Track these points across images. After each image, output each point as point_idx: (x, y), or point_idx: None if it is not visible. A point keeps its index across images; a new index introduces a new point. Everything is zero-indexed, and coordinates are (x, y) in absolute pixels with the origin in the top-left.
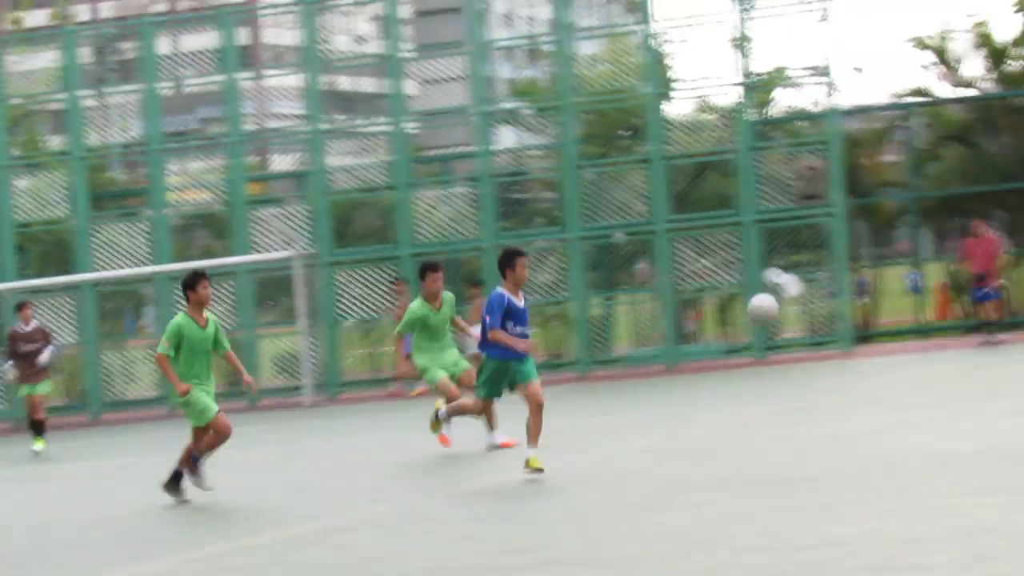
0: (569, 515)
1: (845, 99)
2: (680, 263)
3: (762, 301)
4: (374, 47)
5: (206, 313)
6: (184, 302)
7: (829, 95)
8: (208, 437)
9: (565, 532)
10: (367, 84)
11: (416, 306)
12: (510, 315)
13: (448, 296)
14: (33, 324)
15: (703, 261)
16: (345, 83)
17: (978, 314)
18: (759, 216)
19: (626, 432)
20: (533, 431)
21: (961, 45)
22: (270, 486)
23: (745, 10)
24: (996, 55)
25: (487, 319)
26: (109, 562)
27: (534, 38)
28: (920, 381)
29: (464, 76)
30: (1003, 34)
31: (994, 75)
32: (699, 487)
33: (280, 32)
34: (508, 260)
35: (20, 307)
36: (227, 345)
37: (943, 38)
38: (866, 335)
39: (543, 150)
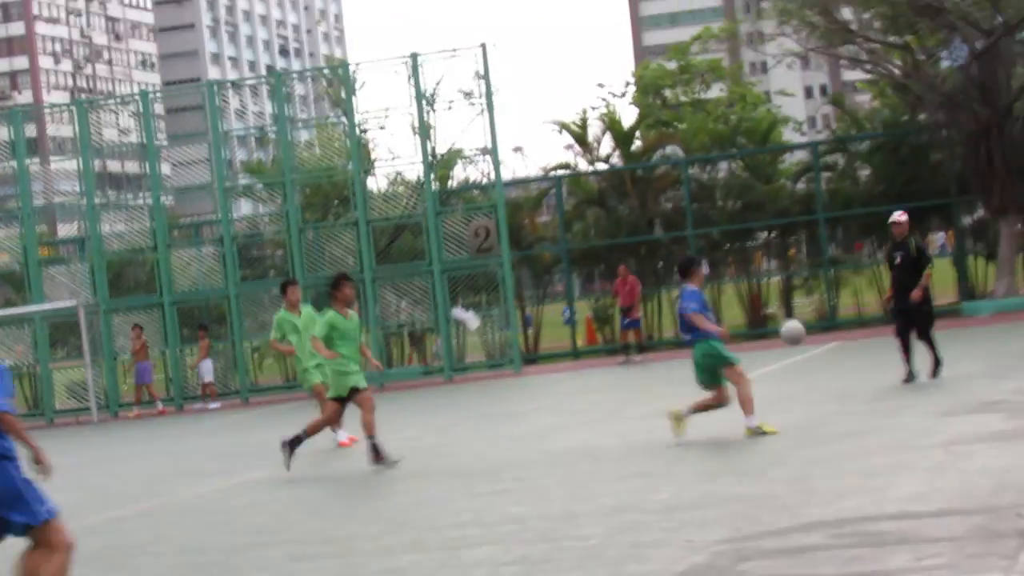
0: (303, 504)
1: (507, 173)
2: (384, 304)
3: (793, 326)
4: (135, 137)
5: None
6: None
7: (495, 170)
8: (325, 418)
9: (299, 518)
10: (131, 167)
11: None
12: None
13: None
14: None
15: (402, 302)
16: (114, 166)
17: (624, 338)
18: (444, 266)
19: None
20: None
21: (595, 129)
22: (66, 486)
23: (427, 104)
24: (622, 137)
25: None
26: None
27: (262, 128)
28: (575, 393)
29: (207, 159)
30: (626, 120)
31: (621, 152)
32: (405, 478)
33: (60, 126)
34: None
35: None
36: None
37: (581, 123)
38: (532, 358)
39: (272, 216)
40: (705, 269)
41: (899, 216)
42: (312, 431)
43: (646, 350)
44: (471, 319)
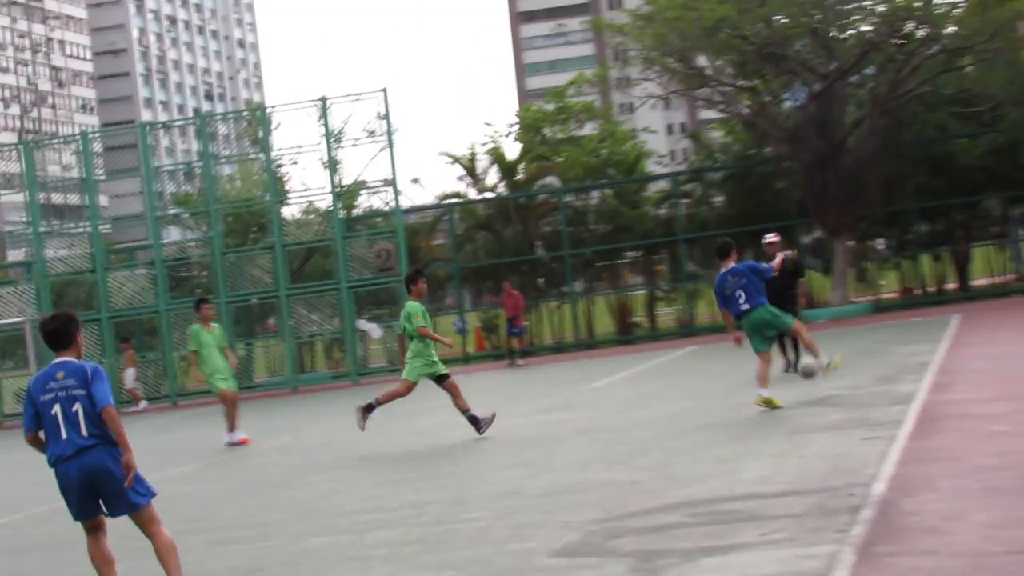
0: (225, 495)
1: (406, 201)
2: (297, 317)
3: (808, 364)
4: (77, 172)
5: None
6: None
7: (395, 199)
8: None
9: (222, 507)
10: (73, 199)
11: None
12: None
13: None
14: None
15: (314, 316)
16: (57, 198)
17: (509, 344)
18: (350, 284)
19: (263, 435)
20: None
21: (483, 163)
22: (19, 481)
23: (335, 141)
24: (506, 169)
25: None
26: None
27: (189, 164)
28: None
29: (141, 191)
30: (510, 155)
31: (506, 183)
32: (316, 470)
33: (9, 164)
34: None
35: None
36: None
37: (471, 157)
38: None
39: (198, 242)
40: (579, 286)
41: (772, 237)
42: (384, 400)
43: (528, 355)
44: (374, 330)
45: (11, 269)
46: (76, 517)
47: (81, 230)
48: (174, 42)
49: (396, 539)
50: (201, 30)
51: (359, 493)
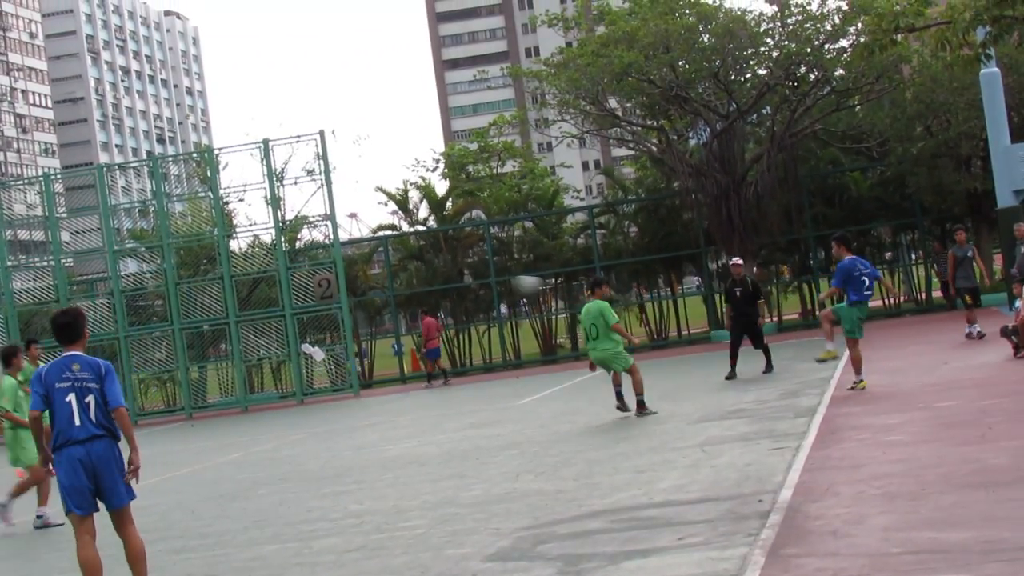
0: (182, 507)
1: (344, 234)
2: (246, 342)
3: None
4: (40, 211)
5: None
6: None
7: (333, 232)
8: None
9: (179, 518)
10: (37, 235)
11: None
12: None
13: None
14: None
15: (261, 340)
16: (23, 235)
17: (427, 367)
18: (295, 311)
19: (217, 451)
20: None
21: (414, 198)
22: None
23: (277, 180)
24: (436, 204)
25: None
26: None
27: (143, 202)
28: (403, 411)
29: (99, 228)
30: (439, 190)
31: (435, 216)
32: (266, 483)
33: None
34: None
35: None
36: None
37: (403, 193)
38: (368, 383)
39: (153, 273)
40: (504, 310)
41: (737, 260)
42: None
43: (457, 375)
44: (317, 352)
45: None
46: (73, 509)
47: (45, 263)
48: (127, 91)
49: (340, 546)
50: (152, 79)
51: (305, 504)
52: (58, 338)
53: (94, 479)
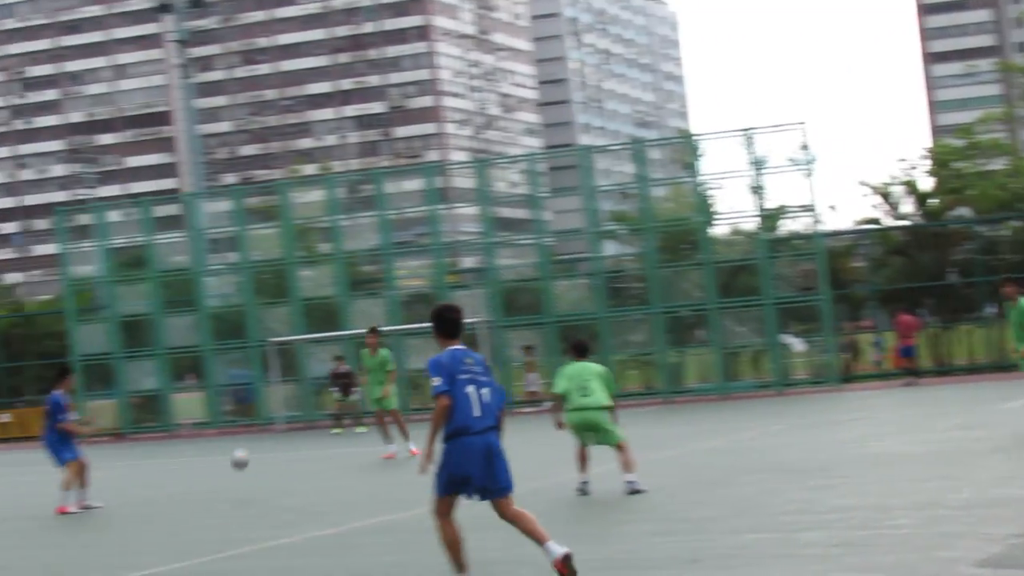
0: (664, 489)
1: (825, 226)
2: (726, 329)
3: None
4: (523, 189)
5: None
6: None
7: (815, 223)
8: None
9: (661, 501)
10: (519, 213)
11: None
12: None
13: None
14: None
15: (740, 328)
16: (505, 212)
17: (901, 365)
18: (774, 300)
19: (696, 437)
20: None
21: (897, 192)
22: None
23: (759, 168)
24: (921, 199)
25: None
26: None
27: (624, 185)
28: (885, 408)
29: (580, 208)
30: (925, 185)
31: (920, 212)
32: (747, 472)
33: (464, 179)
34: None
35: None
36: None
37: (886, 187)
38: (848, 378)
39: (633, 256)
40: (992, 309)
41: None
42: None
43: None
44: (797, 343)
45: (464, 275)
46: (460, 493)
47: (527, 241)
48: (609, 74)
49: (824, 540)
50: (633, 63)
51: (787, 495)
52: (445, 331)
53: (487, 467)
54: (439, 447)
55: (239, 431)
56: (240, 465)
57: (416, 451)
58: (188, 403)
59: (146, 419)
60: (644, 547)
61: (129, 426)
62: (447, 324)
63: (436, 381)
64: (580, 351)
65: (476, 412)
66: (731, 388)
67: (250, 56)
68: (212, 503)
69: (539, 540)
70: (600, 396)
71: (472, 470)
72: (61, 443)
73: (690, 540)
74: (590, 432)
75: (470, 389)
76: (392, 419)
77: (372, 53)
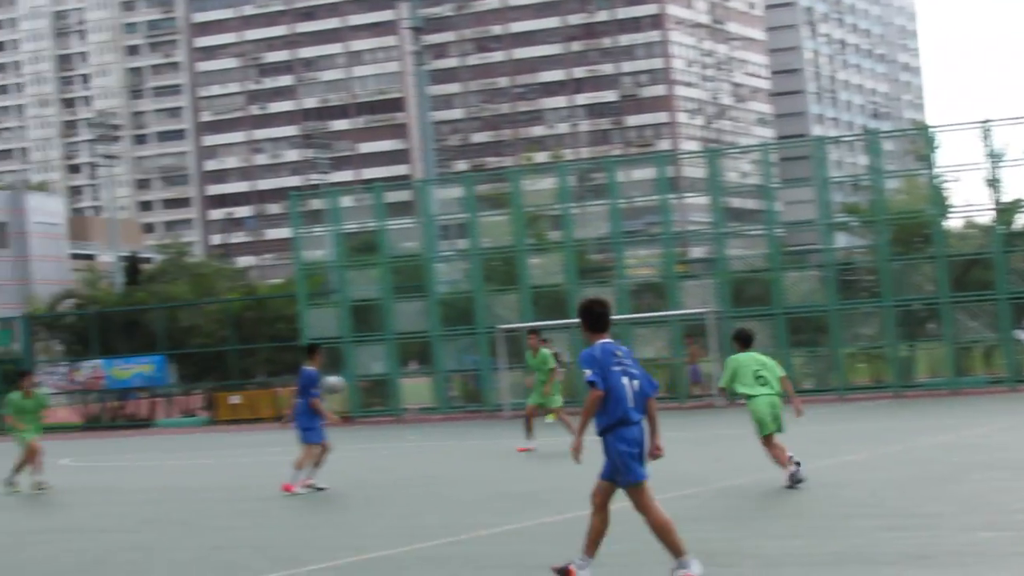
0: (892, 484)
1: None
2: (958, 323)
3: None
4: (755, 179)
5: None
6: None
7: None
8: None
9: (889, 496)
10: (750, 203)
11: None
12: None
13: None
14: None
15: (973, 323)
16: (736, 202)
17: None
18: (1009, 295)
19: (926, 432)
20: None
21: None
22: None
23: (996, 161)
24: None
25: None
26: None
27: (857, 177)
28: None
29: (812, 199)
30: None
31: None
32: (979, 468)
33: (695, 169)
34: None
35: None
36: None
37: None
38: None
39: (865, 248)
40: None
41: None
42: None
43: None
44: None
45: (693, 264)
46: (638, 479)
47: (757, 232)
48: (843, 64)
49: None
50: (868, 54)
51: (1021, 493)
52: (594, 325)
53: (641, 455)
54: (591, 439)
55: (466, 417)
56: (334, 390)
57: (523, 448)
58: (415, 388)
59: (374, 403)
60: (872, 542)
61: (358, 410)
62: (596, 318)
63: (588, 373)
64: (745, 341)
65: (630, 403)
66: (962, 383)
67: (483, 43)
68: (438, 487)
69: (675, 553)
70: (775, 384)
71: (627, 458)
72: (310, 420)
73: (920, 536)
74: (774, 420)
75: (624, 381)
76: (557, 418)
77: (605, 41)
